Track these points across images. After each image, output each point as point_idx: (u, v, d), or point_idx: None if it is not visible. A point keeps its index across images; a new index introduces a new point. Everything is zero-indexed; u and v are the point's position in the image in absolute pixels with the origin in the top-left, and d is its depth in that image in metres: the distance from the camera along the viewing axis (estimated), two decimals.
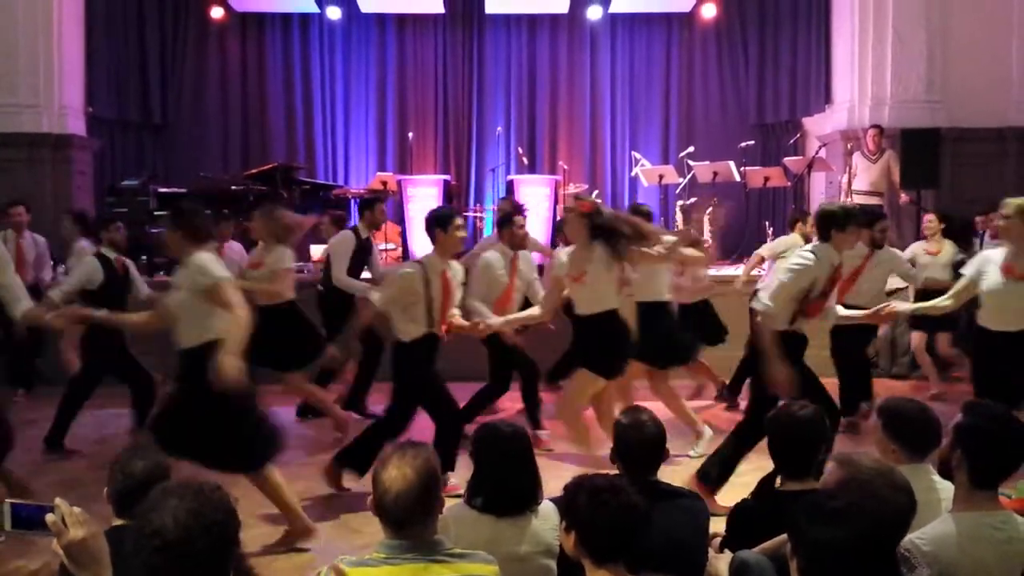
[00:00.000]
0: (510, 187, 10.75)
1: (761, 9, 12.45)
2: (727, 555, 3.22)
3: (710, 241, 9.10)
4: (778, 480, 3.23)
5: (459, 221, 5.16)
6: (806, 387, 4.54)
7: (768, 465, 3.29)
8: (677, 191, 10.52)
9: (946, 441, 2.62)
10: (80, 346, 6.00)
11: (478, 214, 11.26)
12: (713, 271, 9.55)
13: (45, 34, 9.80)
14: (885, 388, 7.52)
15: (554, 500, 2.96)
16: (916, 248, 7.65)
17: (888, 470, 2.22)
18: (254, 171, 10.72)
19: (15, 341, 6.57)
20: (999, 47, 9.95)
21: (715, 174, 10.14)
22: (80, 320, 5.27)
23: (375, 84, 12.94)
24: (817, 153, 9.95)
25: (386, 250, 9.44)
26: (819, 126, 11.22)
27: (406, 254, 10.21)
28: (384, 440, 4.90)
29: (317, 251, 10.19)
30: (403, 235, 10.39)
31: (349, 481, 5.31)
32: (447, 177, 11.69)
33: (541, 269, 7.12)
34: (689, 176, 10.41)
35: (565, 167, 11.50)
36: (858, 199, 9.18)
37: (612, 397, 5.45)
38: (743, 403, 7.27)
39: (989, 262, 4.84)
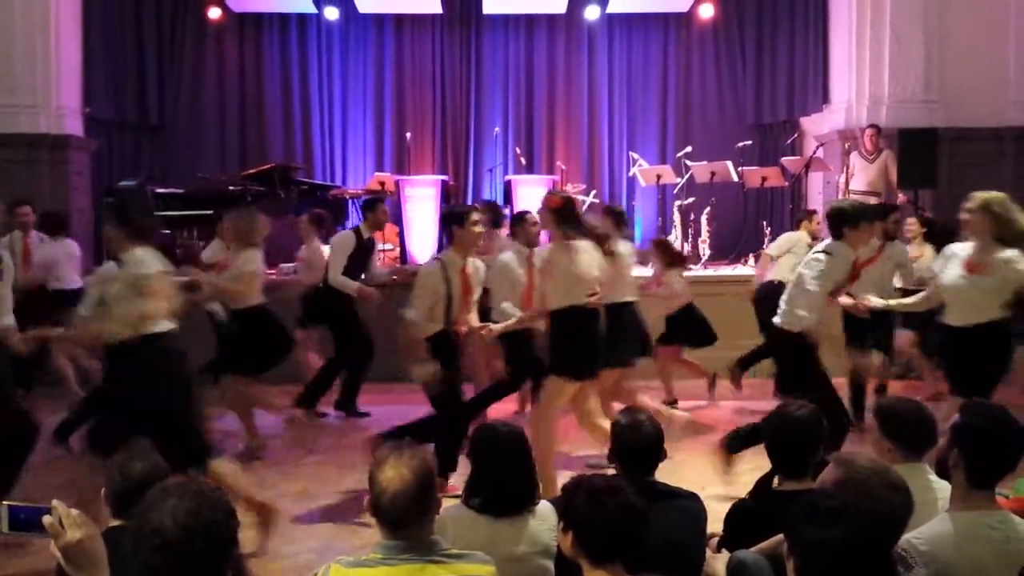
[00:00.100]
0: (508, 187, 10.76)
1: (759, 9, 12.46)
2: (724, 555, 3.22)
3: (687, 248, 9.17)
4: (775, 480, 3.23)
5: (476, 216, 5.15)
6: (822, 386, 4.61)
7: (766, 465, 3.29)
8: (675, 191, 10.53)
9: (943, 441, 2.63)
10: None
11: None
12: (711, 271, 9.62)
13: (42, 35, 9.78)
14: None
15: (552, 500, 2.97)
16: None
17: (885, 470, 2.22)
18: (252, 171, 10.73)
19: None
20: (996, 47, 9.95)
21: (713, 174, 10.14)
22: (41, 341, 5.28)
23: (373, 84, 12.93)
24: (815, 153, 9.95)
25: (384, 251, 9.44)
26: (817, 126, 11.22)
27: (404, 255, 10.21)
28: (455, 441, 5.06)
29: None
30: (401, 236, 10.39)
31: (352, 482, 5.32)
32: (445, 177, 11.69)
33: None
34: (687, 176, 10.42)
35: (563, 167, 11.51)
36: (855, 199, 9.18)
37: (589, 398, 5.20)
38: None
39: (953, 257, 4.77)
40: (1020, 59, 9.94)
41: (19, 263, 6.96)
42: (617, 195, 12.88)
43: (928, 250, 7.46)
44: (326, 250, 7.49)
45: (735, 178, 10.25)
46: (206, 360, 6.05)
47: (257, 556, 4.23)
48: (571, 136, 13.04)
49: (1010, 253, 4.46)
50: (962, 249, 4.72)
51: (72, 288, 7.35)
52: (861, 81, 10.22)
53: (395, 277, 7.78)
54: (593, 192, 11.15)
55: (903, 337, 7.75)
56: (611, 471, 3.24)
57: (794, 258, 6.92)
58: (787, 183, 10.36)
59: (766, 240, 9.91)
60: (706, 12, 12.44)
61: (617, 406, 5.87)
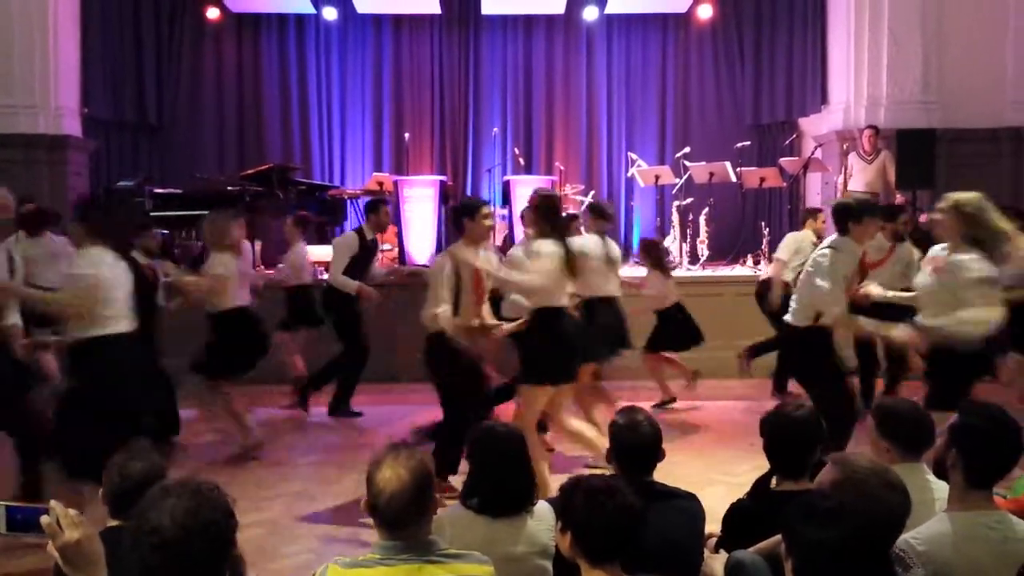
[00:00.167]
0: (507, 188, 10.76)
1: (757, 10, 12.47)
2: (722, 555, 3.23)
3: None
4: (773, 480, 3.23)
5: (487, 209, 5.15)
6: (834, 383, 4.64)
7: (764, 465, 3.29)
8: (673, 192, 10.53)
9: (941, 441, 2.63)
10: None
11: None
12: (710, 271, 9.63)
13: (41, 35, 9.78)
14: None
15: (550, 501, 2.97)
16: None
17: (883, 470, 2.22)
18: (250, 172, 10.71)
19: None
20: (994, 48, 9.97)
21: (711, 175, 10.14)
22: (38, 348, 5.31)
23: (371, 85, 12.93)
24: (813, 153, 9.96)
25: (383, 251, 9.43)
26: (815, 127, 11.23)
27: (403, 255, 10.21)
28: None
29: (314, 252, 10.19)
30: (399, 236, 10.38)
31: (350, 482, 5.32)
32: (443, 178, 11.68)
33: None
34: (685, 177, 10.42)
35: (561, 168, 11.50)
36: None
37: (562, 405, 5.10)
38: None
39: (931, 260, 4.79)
40: (1018, 60, 9.96)
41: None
42: (616, 195, 12.89)
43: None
44: (312, 251, 7.51)
45: (733, 179, 10.25)
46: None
47: (255, 556, 4.23)
48: (570, 137, 13.05)
49: (963, 257, 4.40)
50: (942, 250, 4.74)
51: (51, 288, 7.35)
52: (859, 82, 10.23)
53: (392, 277, 7.78)
54: (592, 192, 11.16)
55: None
56: (608, 471, 3.24)
57: (799, 257, 6.94)
58: (785, 184, 10.36)
59: (764, 241, 9.92)
60: (704, 13, 12.45)
61: (598, 408, 5.90)
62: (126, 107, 12.00)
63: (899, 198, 9.41)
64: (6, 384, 4.65)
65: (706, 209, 10.08)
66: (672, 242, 10.09)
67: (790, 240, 7.61)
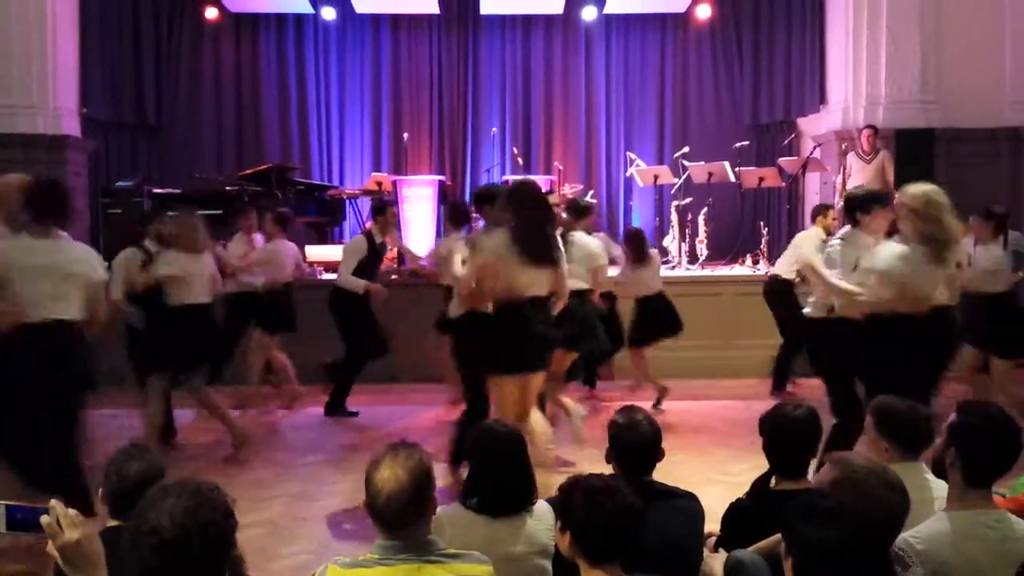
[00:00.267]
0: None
1: (755, 9, 12.47)
2: (722, 555, 3.23)
3: None
4: (773, 480, 3.24)
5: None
6: (841, 382, 4.74)
7: (763, 464, 3.29)
8: (672, 191, 10.53)
9: (940, 440, 2.63)
10: None
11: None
12: (708, 271, 9.64)
13: (39, 35, 9.77)
14: None
15: (549, 500, 2.97)
16: None
17: (881, 469, 2.22)
18: (249, 172, 10.72)
19: None
20: (993, 48, 9.96)
21: (710, 174, 10.14)
22: None
23: (370, 85, 12.93)
24: (812, 153, 9.96)
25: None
26: (814, 126, 11.23)
27: (401, 255, 10.20)
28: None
29: (313, 252, 10.20)
30: (398, 236, 10.37)
31: (350, 482, 5.32)
32: (442, 178, 11.69)
33: None
34: (684, 176, 10.42)
35: (560, 167, 11.51)
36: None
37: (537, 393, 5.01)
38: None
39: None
40: (1016, 60, 9.96)
41: None
42: (615, 195, 12.90)
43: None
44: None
45: (732, 178, 10.25)
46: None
47: (254, 556, 4.23)
48: (568, 136, 13.05)
49: (885, 243, 4.59)
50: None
51: None
52: (858, 81, 10.23)
53: (395, 277, 7.78)
54: (591, 192, 11.16)
55: None
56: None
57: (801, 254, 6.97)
58: (784, 183, 10.37)
59: (763, 240, 9.93)
60: (703, 13, 12.45)
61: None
62: (125, 107, 11.99)
63: (898, 198, 9.40)
64: None
65: (705, 209, 10.08)
66: (671, 242, 10.09)
67: (801, 239, 7.59)
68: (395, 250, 10.30)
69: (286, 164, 11.45)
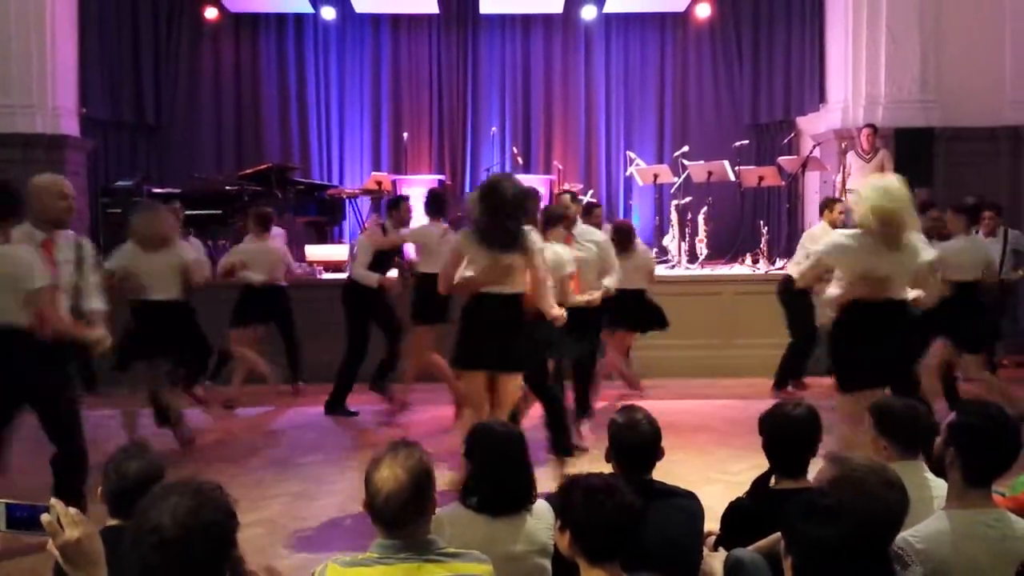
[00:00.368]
0: None
1: (755, 9, 12.48)
2: (722, 553, 3.23)
3: None
4: (772, 479, 3.24)
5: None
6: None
7: (763, 463, 3.30)
8: (672, 191, 10.54)
9: (940, 439, 2.63)
10: None
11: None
12: (708, 270, 9.64)
13: (38, 35, 9.76)
14: None
15: (549, 499, 2.97)
16: None
17: (881, 468, 2.23)
18: (248, 171, 10.72)
19: None
20: (993, 47, 9.96)
21: (710, 174, 10.15)
22: None
23: (370, 84, 12.93)
24: (811, 152, 9.96)
25: None
26: (813, 125, 11.23)
27: (400, 253, 10.19)
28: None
29: (313, 252, 10.20)
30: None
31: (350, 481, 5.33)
32: (442, 177, 11.70)
33: None
34: (684, 176, 10.42)
35: (560, 167, 11.52)
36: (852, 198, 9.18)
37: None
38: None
39: None
40: (1016, 59, 9.96)
41: None
42: (614, 194, 12.91)
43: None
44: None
45: (732, 177, 10.25)
46: None
47: (253, 556, 4.23)
48: (568, 136, 13.05)
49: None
50: None
51: None
52: (858, 81, 10.22)
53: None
54: (590, 191, 11.16)
55: None
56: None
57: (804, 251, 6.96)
58: (784, 182, 10.37)
59: (763, 239, 9.93)
60: (703, 12, 12.46)
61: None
62: (124, 107, 11.99)
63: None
64: None
65: (704, 208, 10.09)
66: (671, 241, 10.09)
67: (809, 235, 7.57)
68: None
69: (286, 164, 11.45)
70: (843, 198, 9.00)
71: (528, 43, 13.03)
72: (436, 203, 7.06)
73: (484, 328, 4.70)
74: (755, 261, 9.79)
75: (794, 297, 7.55)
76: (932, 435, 2.80)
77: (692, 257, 9.93)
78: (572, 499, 2.45)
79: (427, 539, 2.35)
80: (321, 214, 10.91)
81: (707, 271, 9.62)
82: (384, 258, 7.33)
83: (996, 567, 2.39)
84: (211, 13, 12.31)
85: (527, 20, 12.93)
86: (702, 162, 10.33)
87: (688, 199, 10.22)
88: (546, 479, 4.55)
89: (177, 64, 12.51)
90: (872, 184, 4.54)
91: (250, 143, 12.76)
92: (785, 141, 11.46)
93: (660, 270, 8.55)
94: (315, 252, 10.19)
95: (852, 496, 2.03)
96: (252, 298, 7.43)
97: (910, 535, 2.42)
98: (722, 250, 10.40)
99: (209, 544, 1.76)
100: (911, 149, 9.21)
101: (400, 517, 2.31)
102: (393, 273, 7.46)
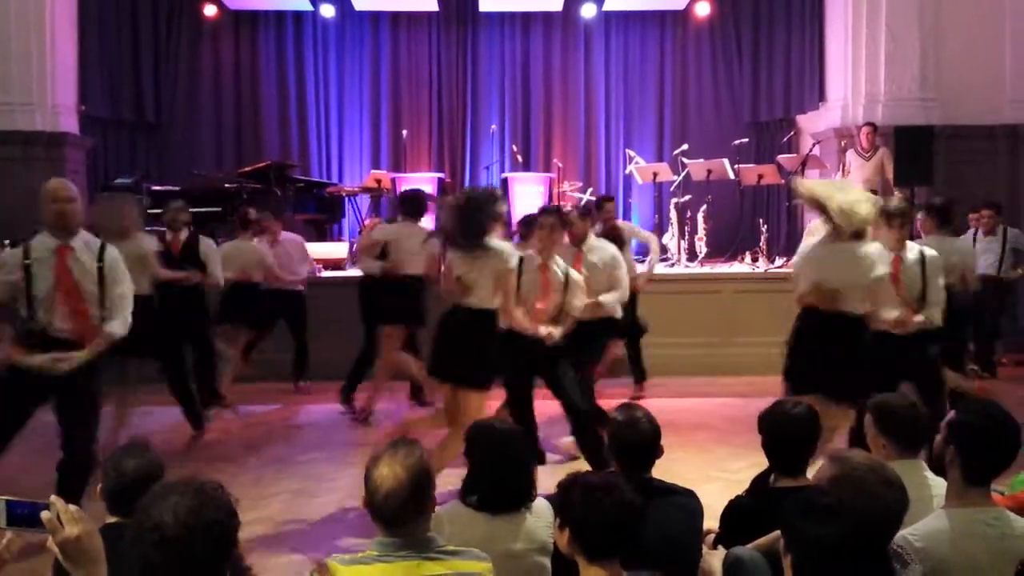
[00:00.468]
0: (504, 185, 10.76)
1: (755, 7, 12.47)
2: (721, 552, 3.23)
3: None
4: (772, 477, 3.24)
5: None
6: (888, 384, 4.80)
7: (763, 462, 3.30)
8: (671, 189, 10.53)
9: (939, 437, 2.63)
10: None
11: None
12: (708, 268, 9.64)
13: (38, 33, 9.76)
14: None
15: (548, 497, 2.97)
16: None
17: (880, 466, 2.23)
18: (248, 169, 10.71)
19: None
20: (992, 45, 9.97)
21: (709, 172, 10.14)
22: None
23: (369, 82, 12.92)
24: (811, 150, 9.96)
25: None
26: (813, 124, 11.23)
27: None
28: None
29: (312, 250, 10.18)
30: None
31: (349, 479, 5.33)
32: (441, 175, 11.69)
33: None
34: (683, 174, 10.42)
35: (559, 165, 11.51)
36: None
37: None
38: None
39: None
40: (1016, 57, 9.96)
41: None
42: (614, 192, 12.84)
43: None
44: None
45: (731, 176, 10.25)
46: None
47: (254, 555, 4.23)
48: (568, 134, 13.05)
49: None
50: None
51: None
52: (857, 79, 10.23)
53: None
54: (590, 190, 11.15)
55: None
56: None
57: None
58: (783, 181, 10.36)
59: (762, 238, 9.93)
60: (702, 10, 12.46)
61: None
62: (124, 105, 11.99)
63: (897, 195, 9.41)
64: None
65: (704, 206, 10.08)
66: (670, 239, 10.09)
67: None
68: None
69: (285, 162, 11.44)
70: None
71: (528, 41, 13.02)
72: (413, 204, 7.00)
73: (442, 338, 4.85)
74: (754, 259, 9.79)
75: None
76: (932, 434, 2.81)
77: (692, 255, 9.93)
78: (571, 497, 2.45)
79: (427, 537, 2.36)
80: (320, 212, 10.90)
81: (706, 269, 9.62)
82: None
83: (995, 565, 2.39)
84: (210, 11, 12.30)
85: (527, 18, 12.92)
86: (702, 160, 10.33)
87: (687, 197, 10.21)
88: (546, 479, 4.56)
89: (176, 62, 12.50)
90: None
91: (249, 141, 12.75)
92: (785, 139, 11.45)
93: (660, 268, 8.54)
94: (314, 250, 10.16)
95: (851, 495, 2.03)
96: (232, 297, 7.34)
97: (909, 533, 2.42)
98: (722, 248, 10.40)
99: (211, 543, 1.76)
100: (910, 147, 9.19)
101: (400, 515, 2.31)
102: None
